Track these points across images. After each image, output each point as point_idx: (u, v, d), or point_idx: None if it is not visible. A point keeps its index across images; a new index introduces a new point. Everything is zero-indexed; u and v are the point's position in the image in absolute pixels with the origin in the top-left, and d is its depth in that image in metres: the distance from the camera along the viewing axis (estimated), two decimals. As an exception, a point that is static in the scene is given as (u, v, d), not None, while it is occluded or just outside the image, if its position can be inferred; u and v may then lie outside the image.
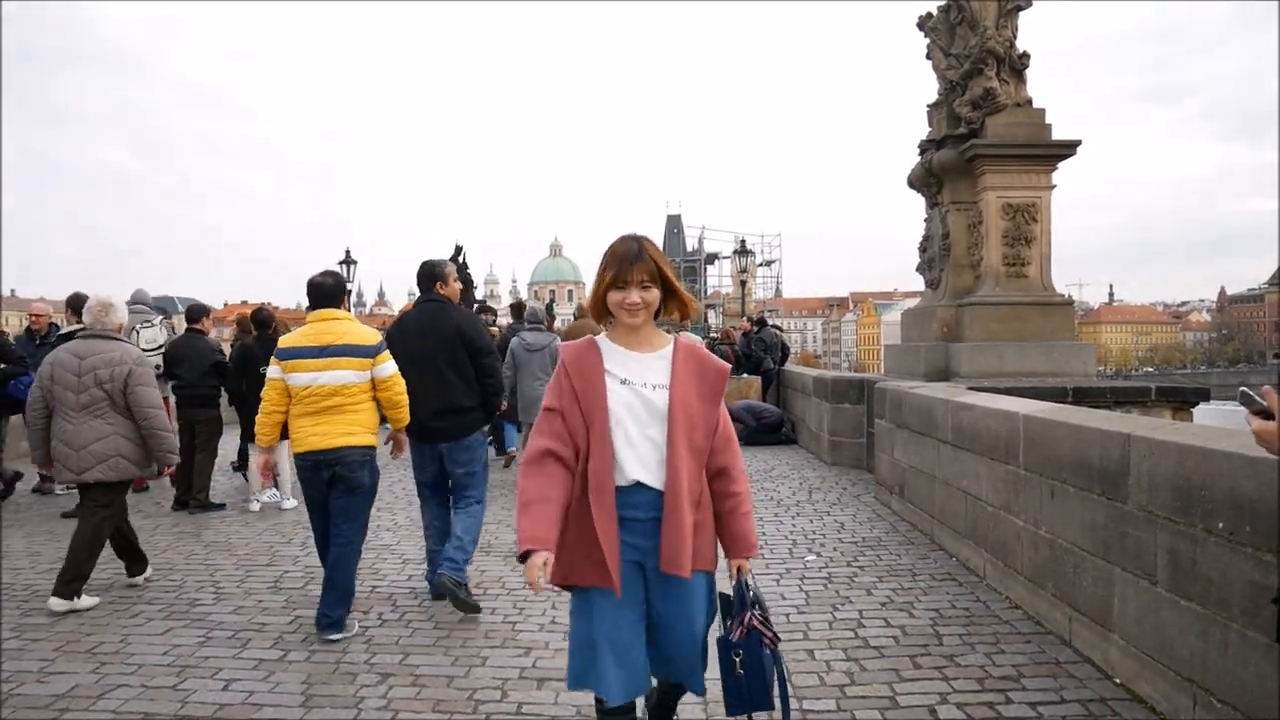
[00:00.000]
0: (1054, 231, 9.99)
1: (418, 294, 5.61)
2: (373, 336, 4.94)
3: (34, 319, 9.60)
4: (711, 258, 59.19)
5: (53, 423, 5.35)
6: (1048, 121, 9.96)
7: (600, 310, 2.62)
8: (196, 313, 9.04)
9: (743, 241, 36.01)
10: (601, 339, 2.65)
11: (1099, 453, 4.13)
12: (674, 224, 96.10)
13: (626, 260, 2.53)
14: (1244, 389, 2.22)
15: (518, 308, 12.08)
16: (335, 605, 4.68)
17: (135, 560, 5.84)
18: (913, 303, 14.50)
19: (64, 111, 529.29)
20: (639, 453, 2.54)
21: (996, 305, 9.71)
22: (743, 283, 34.73)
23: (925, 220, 11.23)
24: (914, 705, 3.73)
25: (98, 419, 5.33)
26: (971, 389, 7.32)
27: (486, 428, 6.54)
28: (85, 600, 5.27)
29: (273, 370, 4.84)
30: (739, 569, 2.76)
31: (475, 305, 15.80)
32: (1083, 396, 8.19)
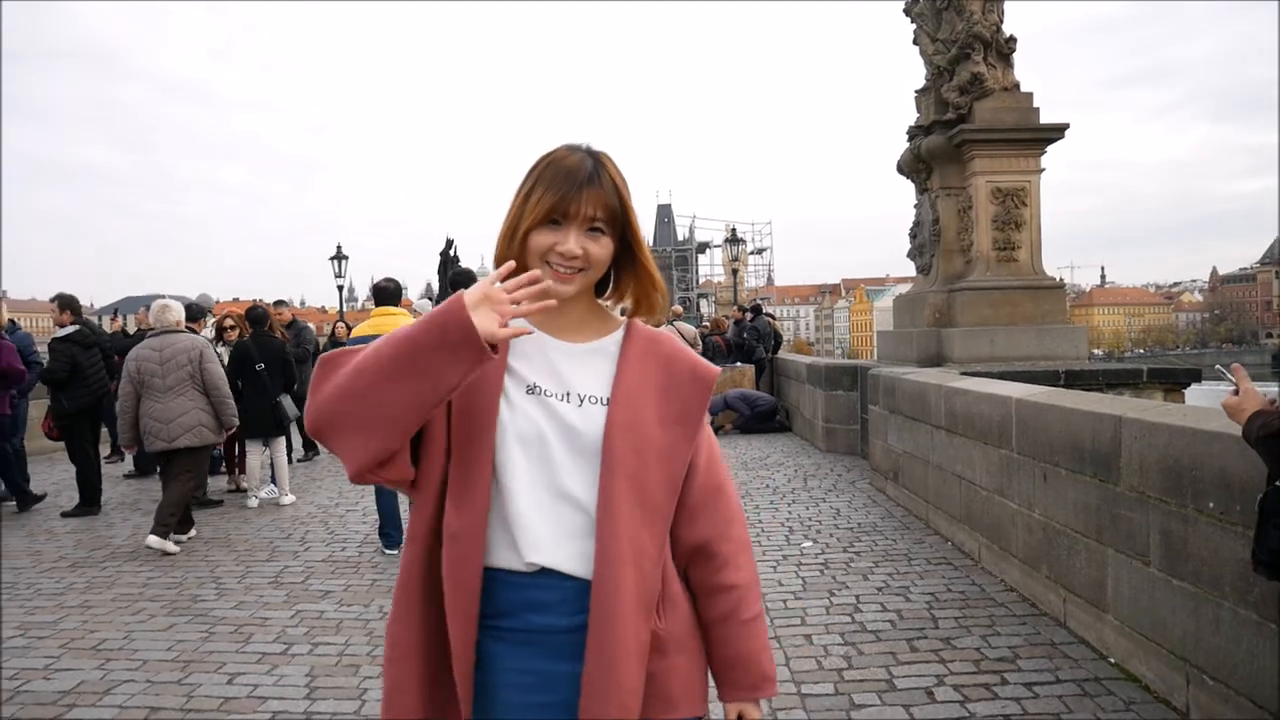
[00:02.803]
0: (1044, 215, 10.04)
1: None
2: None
3: None
4: (703, 247, 59.20)
5: (141, 405, 6.73)
6: (1035, 105, 9.99)
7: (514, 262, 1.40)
8: (194, 311, 9.05)
9: (733, 230, 36.05)
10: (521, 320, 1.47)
11: (1091, 435, 4.17)
12: (664, 213, 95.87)
13: (572, 181, 1.43)
14: (1218, 366, 2.29)
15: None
16: (397, 528, 6.24)
17: (184, 523, 6.96)
18: (905, 289, 14.56)
19: (45, 108, 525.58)
20: (547, 515, 1.44)
21: (988, 290, 9.75)
22: (734, 271, 34.79)
23: (915, 206, 11.26)
24: (911, 688, 3.78)
25: (181, 397, 6.77)
26: (964, 374, 7.37)
27: None
28: (170, 545, 6.51)
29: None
30: None
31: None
32: (1075, 379, 8.25)
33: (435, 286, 39.19)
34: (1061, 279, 11.14)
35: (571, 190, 1.42)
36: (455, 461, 1.44)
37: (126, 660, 4.36)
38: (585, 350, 1.53)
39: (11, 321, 9.44)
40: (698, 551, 1.55)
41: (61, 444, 8.94)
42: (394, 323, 6.20)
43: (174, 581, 5.78)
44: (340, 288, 29.60)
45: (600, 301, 1.60)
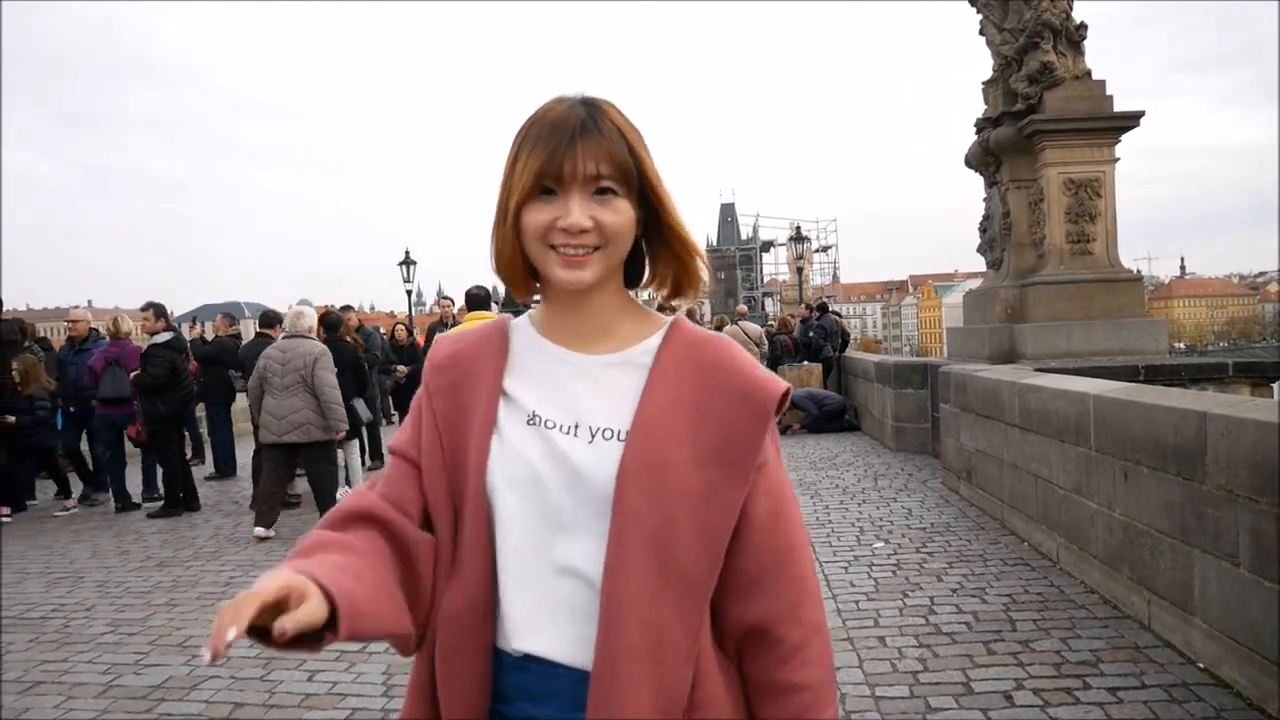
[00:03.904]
0: (1119, 205, 9.75)
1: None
2: None
3: (72, 326, 9.82)
4: (767, 245, 58.80)
5: (264, 399, 7.31)
6: (1108, 93, 9.71)
7: (512, 254, 1.16)
8: (269, 319, 9.32)
9: (798, 228, 35.79)
10: (520, 322, 1.26)
11: (1174, 432, 4.04)
12: (728, 212, 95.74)
13: (562, 132, 1.10)
14: None
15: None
16: None
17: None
18: (974, 284, 14.29)
19: (115, 121, 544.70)
20: (538, 587, 1.13)
21: (1062, 284, 9.50)
22: (799, 270, 34.51)
23: (984, 200, 11.04)
24: (989, 691, 3.71)
25: (294, 397, 7.23)
26: (1038, 370, 7.20)
27: None
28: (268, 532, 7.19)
29: None
30: None
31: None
32: (1155, 375, 7.99)
33: (502, 290, 39.69)
34: (1139, 271, 10.82)
35: (562, 143, 1.08)
36: (449, 520, 1.18)
37: (212, 658, 4.49)
38: (607, 364, 1.16)
39: (94, 330, 9.82)
40: (754, 636, 1.14)
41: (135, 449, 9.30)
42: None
43: (254, 580, 5.93)
44: (409, 292, 30.09)
45: (636, 295, 1.24)
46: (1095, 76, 9.85)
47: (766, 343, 14.19)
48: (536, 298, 1.25)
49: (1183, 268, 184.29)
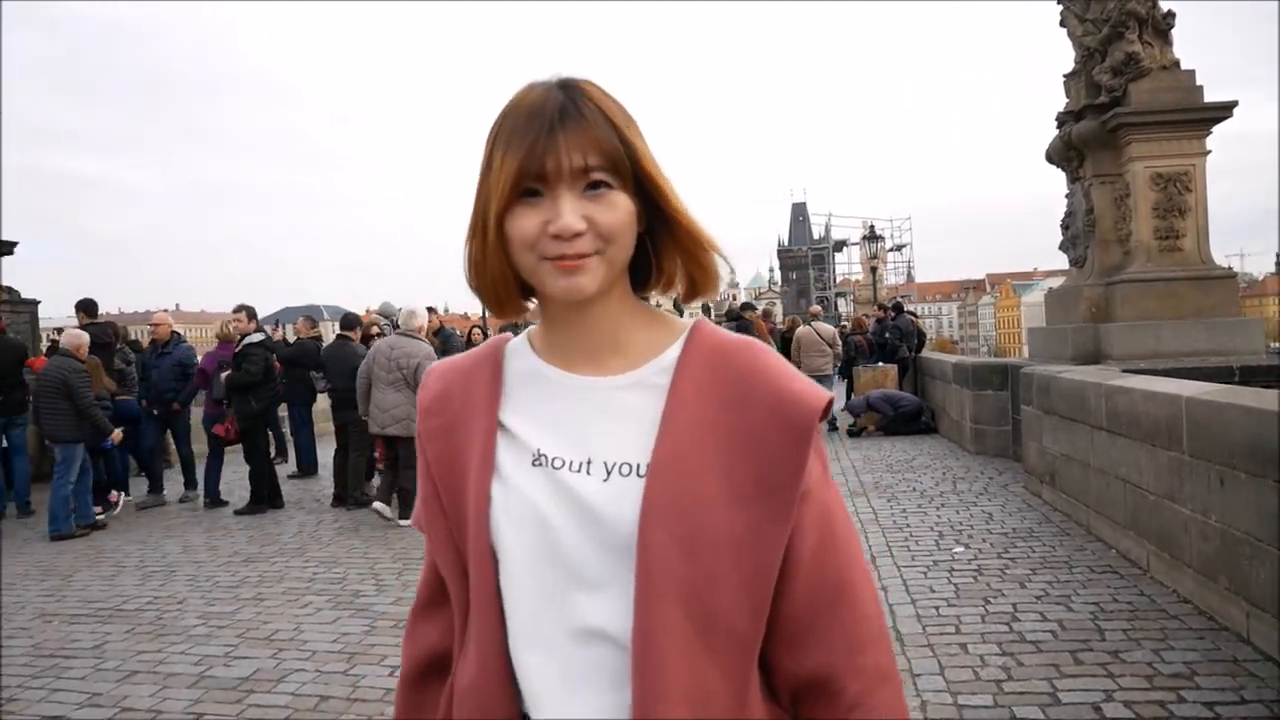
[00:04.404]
0: (1210, 199, 9.39)
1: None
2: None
3: (154, 329, 10.14)
4: (839, 245, 58.25)
5: (372, 392, 7.77)
6: (1198, 83, 9.37)
7: (500, 269, 0.99)
8: (350, 321, 9.57)
9: (871, 227, 35.30)
10: (517, 344, 1.10)
11: (1274, 435, 3.87)
12: (799, 211, 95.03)
13: (540, 123, 0.94)
14: None
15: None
16: None
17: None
18: (1054, 283, 13.92)
19: (220, 135, 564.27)
20: (558, 652, 0.97)
21: (1149, 282, 9.19)
22: (873, 269, 34.03)
23: (1067, 196, 10.74)
24: (1077, 702, 3.60)
25: (396, 392, 7.63)
26: (1125, 371, 6.97)
27: None
28: (389, 511, 7.83)
29: None
30: None
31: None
32: (1251, 375, 7.67)
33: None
34: (1231, 268, 10.38)
35: (541, 135, 0.92)
36: (459, 584, 1.05)
37: (297, 651, 4.62)
38: (618, 386, 1.00)
39: (175, 334, 10.18)
40: (810, 689, 0.99)
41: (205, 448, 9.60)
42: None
43: (337, 577, 6.09)
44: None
45: (646, 299, 1.08)
46: (1184, 66, 9.52)
47: (840, 343, 14.02)
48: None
49: (1279, 264, 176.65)
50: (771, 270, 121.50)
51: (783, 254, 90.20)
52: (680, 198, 1.00)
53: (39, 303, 13.32)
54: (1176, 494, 4.88)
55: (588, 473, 0.97)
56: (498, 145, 0.95)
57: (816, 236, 67.36)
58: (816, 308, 16.57)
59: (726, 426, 0.95)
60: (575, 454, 0.98)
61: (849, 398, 14.30)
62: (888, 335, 14.77)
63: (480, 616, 1.00)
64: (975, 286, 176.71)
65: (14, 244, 12.55)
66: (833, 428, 13.27)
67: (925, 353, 15.58)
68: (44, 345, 12.87)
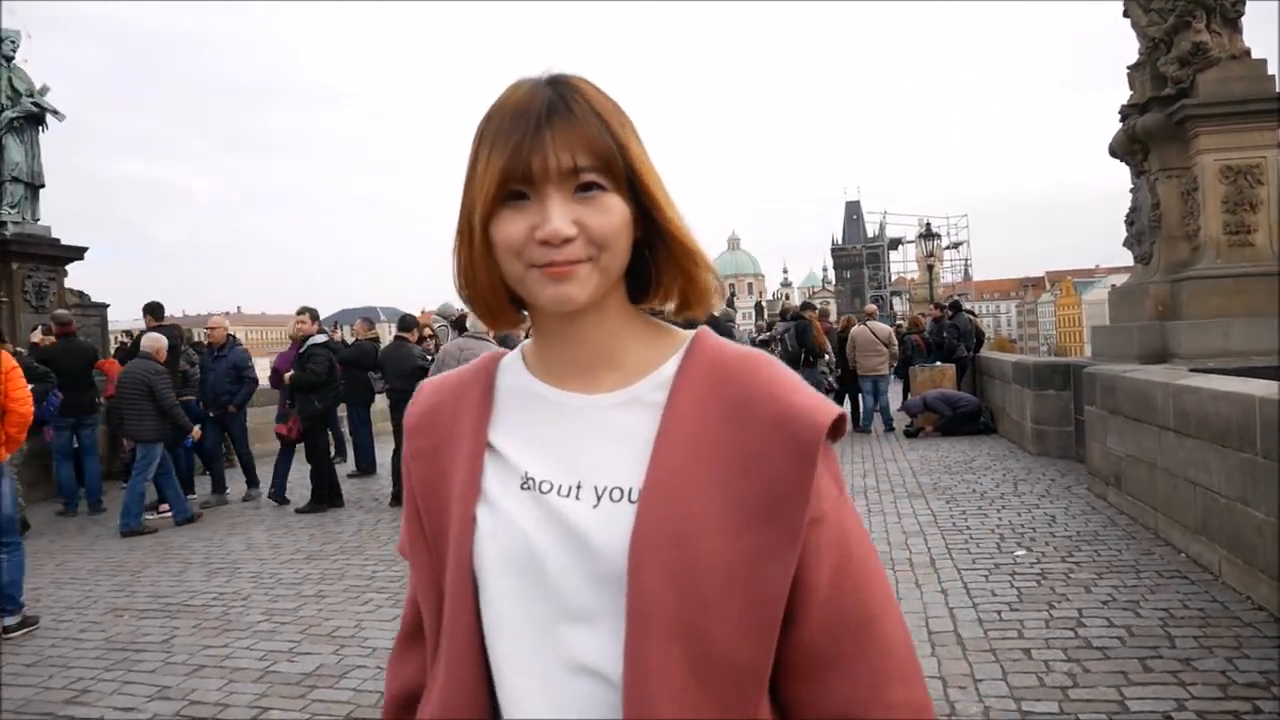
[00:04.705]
0: (1284, 194, 9.07)
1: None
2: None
3: (210, 333, 10.36)
4: (894, 243, 57.53)
5: None
6: (1270, 73, 9.06)
7: (488, 279, 0.93)
8: (407, 322, 9.73)
9: (927, 224, 34.88)
10: (511, 360, 1.04)
11: (1356, 437, 3.73)
12: (853, 210, 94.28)
13: (526, 121, 0.87)
14: None
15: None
16: None
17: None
18: (1117, 280, 13.59)
19: (280, 141, 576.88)
20: (550, 691, 0.89)
21: (1219, 278, 8.91)
22: (929, 267, 33.58)
23: (1131, 191, 10.46)
24: (1146, 711, 3.51)
25: None
26: (1193, 370, 6.78)
27: None
28: None
29: None
30: None
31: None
32: (1327, 375, 7.41)
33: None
34: (1307, 263, 10.02)
35: (528, 134, 0.86)
36: (435, 611, 0.98)
37: (358, 647, 4.70)
38: (611, 404, 0.93)
39: (231, 337, 10.42)
40: None
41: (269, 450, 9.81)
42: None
43: (397, 575, 6.17)
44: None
45: (645, 311, 0.99)
46: (1255, 55, 9.22)
47: (896, 343, 13.85)
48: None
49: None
50: (825, 269, 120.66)
51: (837, 253, 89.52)
52: (674, 206, 0.93)
53: (108, 306, 13.71)
54: (1249, 497, 4.73)
55: (577, 498, 0.90)
56: (482, 146, 0.89)
57: (871, 235, 66.63)
58: (872, 307, 16.38)
59: (726, 445, 0.87)
60: (565, 477, 0.91)
61: (905, 398, 14.13)
62: (945, 334, 14.55)
63: (454, 646, 0.93)
64: (1034, 284, 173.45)
65: (84, 249, 12.92)
66: (889, 428, 13.12)
67: (984, 352, 15.31)
68: (112, 347, 13.25)
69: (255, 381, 10.23)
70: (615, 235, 0.87)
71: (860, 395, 13.51)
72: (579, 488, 0.90)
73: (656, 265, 0.94)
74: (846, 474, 9.56)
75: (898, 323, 19.85)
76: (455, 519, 0.94)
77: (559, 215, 0.85)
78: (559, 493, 0.90)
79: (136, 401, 8.29)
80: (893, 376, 14.11)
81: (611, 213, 0.87)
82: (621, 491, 0.88)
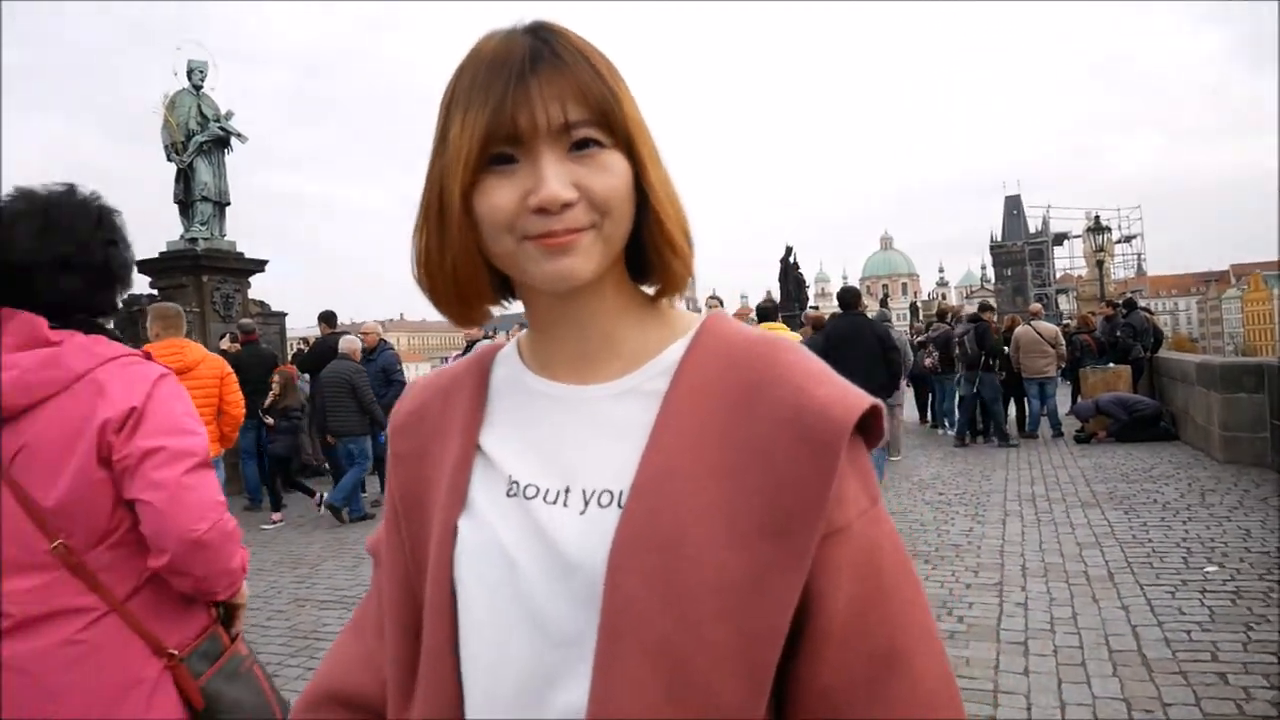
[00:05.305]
0: None
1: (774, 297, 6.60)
2: (793, 339, 7.96)
3: (364, 337, 10.68)
4: (1059, 238, 54.71)
5: None
6: None
7: (464, 261, 0.78)
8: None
9: (1096, 217, 32.86)
10: (507, 352, 0.92)
11: None
12: (1013, 205, 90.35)
13: (508, 69, 0.73)
14: None
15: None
16: None
17: None
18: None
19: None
20: (523, 715, 0.76)
21: None
22: (1099, 263, 31.69)
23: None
24: (1367, 747, 3.18)
25: None
26: None
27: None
28: None
29: None
30: None
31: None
32: None
33: (776, 294, 39.71)
34: None
35: (510, 85, 0.73)
36: (407, 637, 0.87)
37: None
38: (608, 395, 0.81)
39: (382, 341, 10.86)
40: None
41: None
42: (775, 334, 7.96)
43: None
44: (686, 301, 30.87)
45: (649, 291, 0.86)
46: None
47: (1064, 343, 13.13)
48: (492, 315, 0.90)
49: None
50: (984, 268, 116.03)
51: (995, 250, 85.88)
52: (662, 166, 0.80)
53: (286, 314, 14.62)
54: None
55: (565, 504, 0.77)
56: (455, 106, 0.75)
57: (1033, 230, 63.60)
58: (1037, 306, 15.55)
59: (731, 441, 0.73)
60: (553, 481, 0.79)
61: (1075, 401, 13.38)
62: (1119, 334, 13.68)
63: (432, 680, 0.81)
64: (1218, 279, 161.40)
65: (265, 261, 13.82)
66: (1057, 433, 12.46)
67: (1163, 352, 14.33)
68: (290, 354, 14.12)
69: (404, 384, 10.65)
70: (620, 198, 0.75)
71: (1025, 399, 12.89)
72: (567, 492, 0.78)
73: (648, 236, 0.80)
74: (1013, 480, 9.17)
75: (1064, 322, 18.86)
76: (436, 531, 0.82)
77: (555, 177, 0.72)
78: (545, 499, 0.79)
79: (340, 399, 8.83)
80: (1060, 379, 13.38)
81: (613, 172, 0.75)
82: (611, 495, 0.76)
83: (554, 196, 0.71)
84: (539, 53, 0.74)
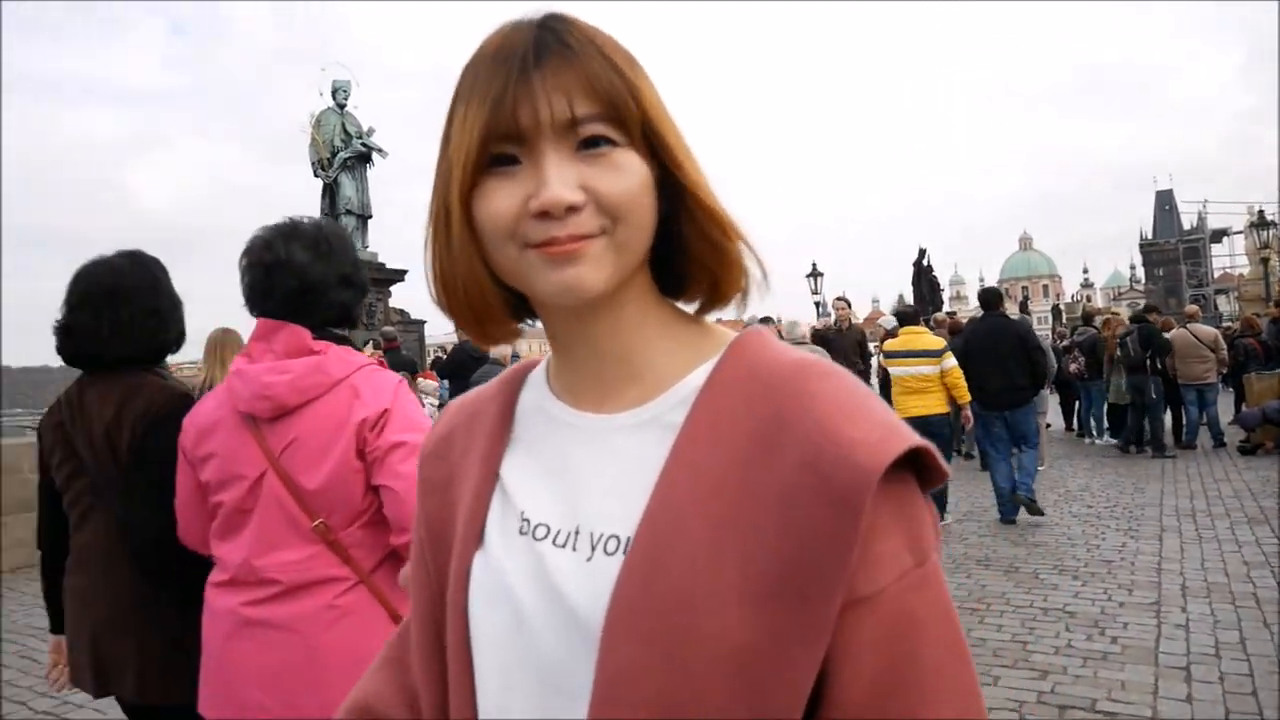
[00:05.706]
0: None
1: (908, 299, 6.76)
2: (938, 343, 7.47)
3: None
4: (1217, 235, 51.32)
5: None
6: None
7: (466, 272, 0.71)
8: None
9: (1260, 212, 30.73)
10: (537, 374, 0.84)
11: None
12: (1164, 200, 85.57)
13: (510, 63, 0.67)
14: None
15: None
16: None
17: None
18: None
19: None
20: None
21: None
22: (1264, 260, 29.60)
23: None
24: None
25: None
26: None
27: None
28: None
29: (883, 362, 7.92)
30: None
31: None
32: None
33: (910, 297, 38.67)
34: None
35: (512, 78, 0.66)
36: (434, 674, 0.82)
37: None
38: (625, 426, 0.73)
39: (514, 355, 11.11)
40: None
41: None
42: (920, 339, 7.56)
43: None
44: (816, 305, 30.44)
45: (689, 308, 0.78)
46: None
47: (1225, 347, 12.29)
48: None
49: None
50: (1132, 267, 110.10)
51: (1146, 248, 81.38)
52: (696, 165, 0.71)
53: (425, 322, 15.17)
54: None
55: (574, 547, 0.70)
56: (458, 103, 0.69)
57: (1188, 227, 59.89)
58: (1194, 307, 14.63)
59: (748, 488, 0.63)
60: (564, 521, 0.72)
61: (1238, 409, 12.50)
62: (1289, 337, 12.73)
63: (457, 711, 0.76)
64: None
65: (405, 271, 14.37)
66: (1218, 443, 11.66)
67: (1340, 357, 13.24)
68: (429, 360, 14.64)
69: None
70: (633, 201, 0.67)
71: (1183, 406, 12.11)
72: (576, 534, 0.71)
73: (683, 242, 0.72)
74: (1169, 493, 8.63)
75: (1225, 324, 17.67)
76: (454, 567, 0.77)
77: (558, 177, 0.65)
78: (554, 541, 0.71)
79: None
80: (1222, 386, 12.53)
81: (626, 173, 0.67)
82: (618, 541, 0.68)
83: (556, 198, 0.64)
84: (545, 43, 0.67)
